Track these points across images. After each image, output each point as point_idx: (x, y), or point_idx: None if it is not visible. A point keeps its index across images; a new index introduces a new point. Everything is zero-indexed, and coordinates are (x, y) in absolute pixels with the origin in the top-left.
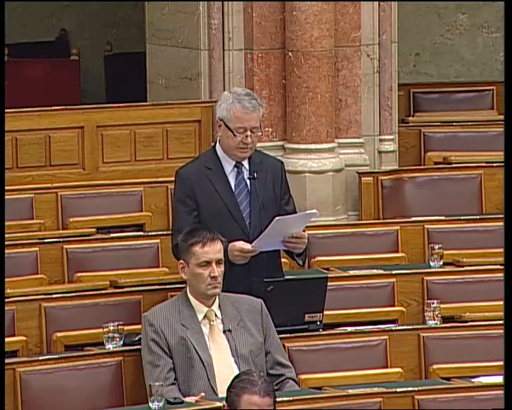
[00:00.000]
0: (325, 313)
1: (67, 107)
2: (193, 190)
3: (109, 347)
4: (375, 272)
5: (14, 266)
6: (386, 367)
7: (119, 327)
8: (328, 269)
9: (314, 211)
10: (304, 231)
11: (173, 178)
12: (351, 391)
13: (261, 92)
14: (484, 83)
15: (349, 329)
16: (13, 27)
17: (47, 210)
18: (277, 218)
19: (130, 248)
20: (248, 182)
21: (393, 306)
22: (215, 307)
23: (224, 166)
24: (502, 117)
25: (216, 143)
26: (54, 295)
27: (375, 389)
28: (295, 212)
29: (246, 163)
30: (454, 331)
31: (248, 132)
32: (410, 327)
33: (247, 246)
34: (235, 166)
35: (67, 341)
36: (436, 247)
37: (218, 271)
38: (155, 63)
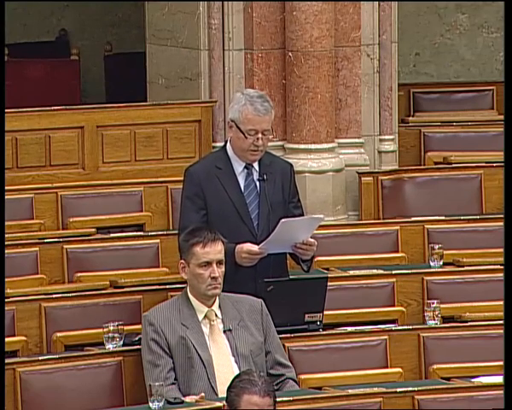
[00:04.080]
0: (325, 313)
1: (67, 107)
2: (202, 188)
3: (109, 347)
4: (375, 272)
5: (14, 266)
6: (386, 367)
7: (119, 327)
8: (328, 269)
9: (321, 216)
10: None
11: (173, 178)
12: (351, 391)
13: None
14: (484, 83)
15: (349, 329)
16: (13, 27)
17: (47, 210)
18: (283, 220)
19: (130, 248)
20: (258, 183)
21: (393, 306)
22: (215, 307)
23: (234, 167)
24: (502, 117)
25: (226, 142)
26: (54, 295)
27: (375, 389)
28: (302, 216)
29: (256, 164)
30: (454, 331)
31: (259, 135)
32: (410, 327)
33: (255, 248)
34: (246, 166)
35: (67, 341)
36: (436, 247)
37: (219, 271)
38: (155, 63)
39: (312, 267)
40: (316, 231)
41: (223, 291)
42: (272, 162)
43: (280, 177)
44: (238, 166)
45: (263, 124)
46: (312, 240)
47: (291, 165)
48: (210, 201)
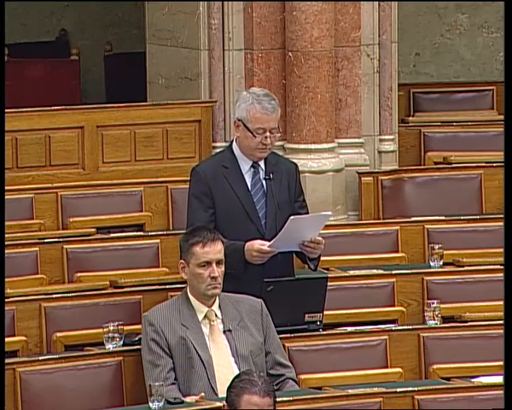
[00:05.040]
0: (325, 313)
1: (67, 107)
2: (209, 187)
3: (109, 347)
4: (375, 272)
5: (14, 266)
6: (386, 367)
7: (119, 327)
8: (328, 269)
9: (329, 213)
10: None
11: (173, 178)
12: (351, 391)
13: None
14: (484, 83)
15: (349, 329)
16: (13, 27)
17: (47, 210)
18: (292, 217)
19: (130, 248)
20: (264, 182)
21: (393, 306)
22: (215, 307)
23: (241, 166)
24: (502, 117)
25: (232, 142)
26: (54, 295)
27: (375, 389)
28: None
29: (262, 163)
30: (454, 331)
31: (268, 133)
32: (410, 327)
33: (265, 246)
34: (252, 166)
35: (67, 341)
36: (436, 247)
37: (218, 271)
38: (155, 63)
39: (319, 266)
40: None
41: (229, 290)
42: (278, 162)
43: (286, 176)
44: (245, 166)
45: (271, 122)
46: (320, 238)
47: (296, 165)
48: (217, 200)
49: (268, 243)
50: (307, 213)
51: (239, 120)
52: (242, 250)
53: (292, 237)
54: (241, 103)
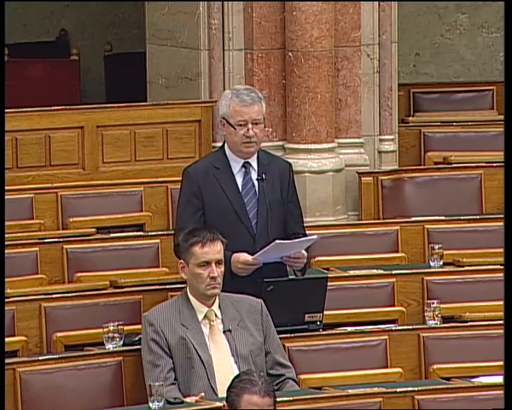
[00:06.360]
0: (325, 313)
1: (67, 107)
2: (199, 188)
3: (109, 347)
4: (375, 272)
5: (14, 266)
6: (386, 367)
7: (119, 327)
8: (328, 269)
9: (315, 237)
10: (307, 249)
11: (173, 178)
12: (351, 391)
13: (261, 92)
14: (484, 83)
15: (349, 329)
16: (13, 27)
17: (47, 210)
18: (277, 241)
19: (130, 248)
20: (256, 183)
21: (393, 306)
22: (215, 307)
23: (232, 166)
24: (502, 117)
25: (225, 142)
26: (54, 295)
27: (375, 389)
28: (301, 216)
29: (254, 164)
30: (454, 331)
31: (250, 125)
32: (410, 327)
33: (250, 258)
34: (244, 165)
35: (67, 341)
36: (436, 247)
37: (218, 271)
38: (155, 63)
39: (310, 265)
40: (316, 231)
41: (228, 290)
42: (271, 162)
43: (278, 176)
44: (236, 166)
45: (251, 114)
46: (302, 252)
47: (290, 164)
48: (208, 200)
49: (253, 256)
50: (300, 213)
51: (223, 118)
52: (229, 261)
53: (276, 255)
54: (222, 100)
